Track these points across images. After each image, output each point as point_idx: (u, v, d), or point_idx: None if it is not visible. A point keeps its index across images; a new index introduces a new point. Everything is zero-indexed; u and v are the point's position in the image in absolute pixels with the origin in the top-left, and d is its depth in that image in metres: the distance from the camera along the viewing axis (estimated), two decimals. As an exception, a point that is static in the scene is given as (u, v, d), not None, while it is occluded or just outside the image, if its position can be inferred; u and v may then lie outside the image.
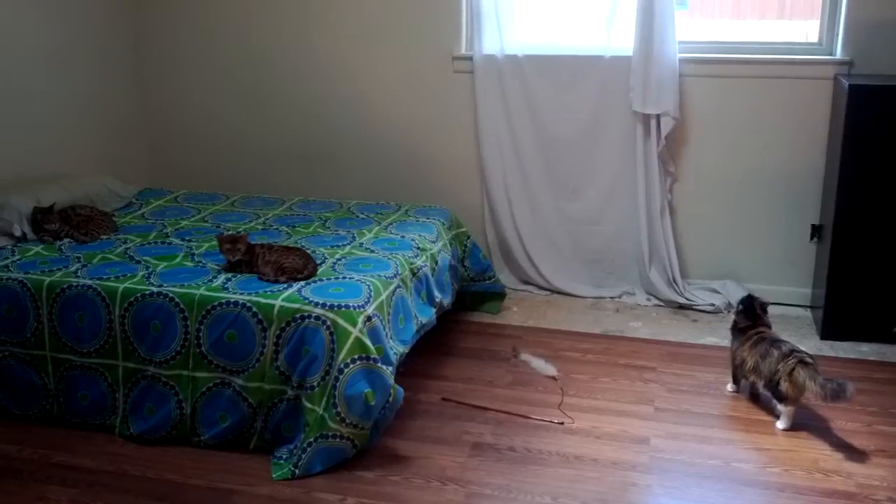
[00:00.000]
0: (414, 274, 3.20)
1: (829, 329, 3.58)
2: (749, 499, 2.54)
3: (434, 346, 3.46)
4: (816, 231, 3.79)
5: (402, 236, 3.45)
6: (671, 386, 3.21)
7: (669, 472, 2.66)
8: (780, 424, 2.90)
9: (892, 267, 3.46)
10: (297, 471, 2.63)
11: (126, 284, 2.86)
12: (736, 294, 3.90)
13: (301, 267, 2.96)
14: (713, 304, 3.88)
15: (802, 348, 2.94)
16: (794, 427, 2.89)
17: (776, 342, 2.93)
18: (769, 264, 3.96)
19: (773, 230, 3.92)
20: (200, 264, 3.08)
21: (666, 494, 2.56)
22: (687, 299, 3.93)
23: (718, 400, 3.11)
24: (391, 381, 2.70)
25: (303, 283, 2.88)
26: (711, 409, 3.04)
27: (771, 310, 3.73)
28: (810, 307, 3.88)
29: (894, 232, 3.44)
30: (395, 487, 2.58)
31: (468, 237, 3.87)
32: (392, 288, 2.98)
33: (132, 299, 2.82)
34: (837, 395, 2.70)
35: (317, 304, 2.72)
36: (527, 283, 4.22)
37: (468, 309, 3.91)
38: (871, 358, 3.43)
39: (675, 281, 3.96)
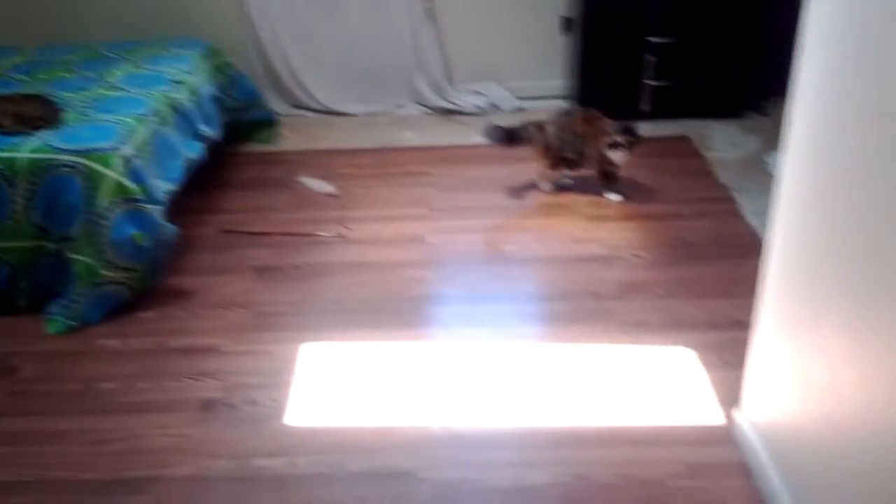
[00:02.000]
0: (174, 109, 3.06)
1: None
2: (516, 274, 2.77)
3: (210, 181, 3.39)
4: (566, 23, 3.95)
5: (157, 71, 3.27)
6: (443, 186, 3.36)
7: (443, 263, 2.84)
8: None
9: (636, 53, 3.68)
10: (73, 323, 2.57)
11: None
12: (498, 94, 4.06)
13: (43, 114, 2.75)
14: (478, 106, 4.02)
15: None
16: (552, 209, 3.15)
17: None
18: (527, 60, 4.09)
19: (527, 27, 4.02)
20: (-75, 126, 2.79)
21: (441, 282, 2.75)
22: (454, 104, 4.04)
23: (486, 193, 3.29)
24: (160, 219, 2.64)
25: (49, 131, 2.69)
26: (480, 202, 3.23)
27: (533, 104, 3.96)
28: (567, 97, 4.09)
29: (636, 21, 3.64)
30: (179, 322, 2.59)
31: (230, 65, 3.72)
32: (150, 125, 2.84)
33: None
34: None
35: (67, 152, 2.56)
36: (299, 107, 4.16)
37: (241, 140, 3.82)
38: (622, 137, 3.73)
39: (441, 87, 4.04)
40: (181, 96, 3.15)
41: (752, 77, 3.76)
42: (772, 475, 1.84)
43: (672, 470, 1.97)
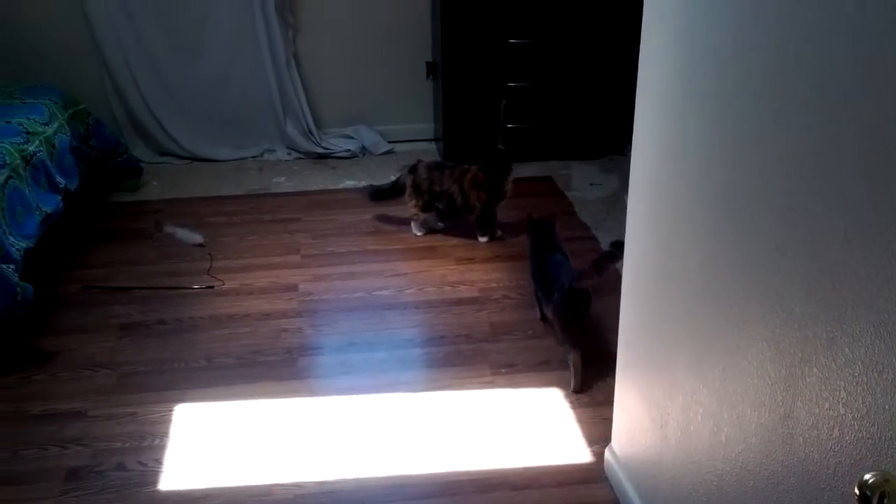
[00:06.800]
0: (27, 161, 2.94)
1: (450, 156, 3.90)
2: (391, 320, 2.79)
3: (72, 234, 3.27)
4: (431, 68, 4.05)
5: (8, 122, 3.12)
6: (315, 232, 3.36)
7: (318, 312, 2.83)
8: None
9: (495, 97, 3.80)
10: (-80, 394, 2.41)
11: None
12: (368, 137, 4.11)
13: None
14: (349, 150, 4.05)
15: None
16: (424, 252, 3.20)
17: None
18: (395, 104, 4.17)
19: (393, 71, 4.11)
20: None
21: (316, 333, 2.74)
22: (325, 148, 4.05)
23: (359, 238, 3.32)
24: (15, 279, 2.52)
25: None
26: (353, 247, 3.24)
27: (404, 147, 4.04)
28: (434, 140, 4.19)
29: (494, 66, 3.77)
30: (40, 385, 2.47)
31: (89, 114, 3.60)
32: (1, 180, 2.72)
33: None
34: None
35: None
36: (165, 154, 4.07)
37: (105, 190, 3.70)
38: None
39: (311, 132, 4.05)
40: (35, 148, 3.02)
41: (610, 119, 3.95)
42: (638, 509, 1.93)
43: (547, 510, 2.03)
